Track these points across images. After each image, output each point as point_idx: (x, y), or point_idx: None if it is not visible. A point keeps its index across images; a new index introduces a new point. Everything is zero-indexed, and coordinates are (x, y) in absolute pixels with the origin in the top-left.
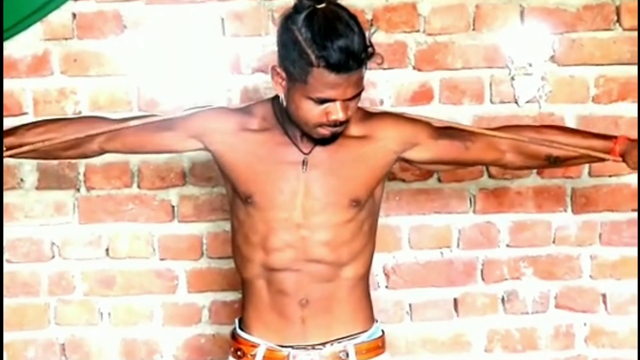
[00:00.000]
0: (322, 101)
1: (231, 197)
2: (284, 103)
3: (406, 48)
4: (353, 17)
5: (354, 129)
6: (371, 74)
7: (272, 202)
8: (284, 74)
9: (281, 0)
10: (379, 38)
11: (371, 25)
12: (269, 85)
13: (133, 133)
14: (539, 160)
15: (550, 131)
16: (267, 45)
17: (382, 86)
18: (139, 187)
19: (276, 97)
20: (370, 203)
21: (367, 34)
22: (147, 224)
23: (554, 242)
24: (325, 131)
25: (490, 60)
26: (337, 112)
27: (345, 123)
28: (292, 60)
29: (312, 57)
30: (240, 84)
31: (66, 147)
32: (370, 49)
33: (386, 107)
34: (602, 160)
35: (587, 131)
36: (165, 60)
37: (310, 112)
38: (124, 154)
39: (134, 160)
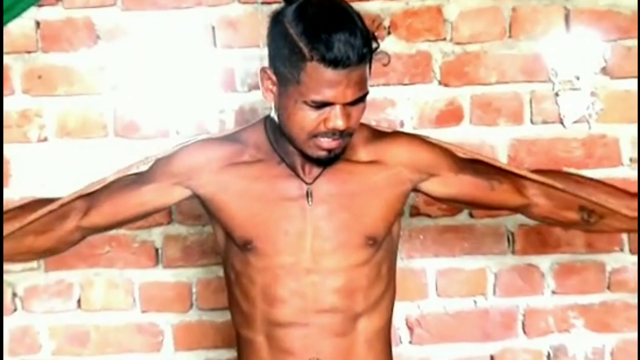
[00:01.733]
0: (318, 105)
1: (224, 244)
2: (275, 115)
3: (430, 60)
4: (352, 8)
5: (363, 153)
6: (389, 91)
7: (276, 247)
8: (274, 77)
9: (281, 5)
10: (397, 48)
11: (388, 33)
12: (268, 104)
13: (109, 199)
14: (571, 212)
15: (593, 183)
16: (266, 57)
17: (402, 105)
18: None
19: (268, 117)
20: (388, 241)
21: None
22: (126, 269)
23: (608, 287)
24: (322, 144)
25: (529, 73)
26: (336, 117)
27: (346, 136)
28: (283, 58)
29: (305, 50)
30: (235, 104)
31: (38, 231)
32: (374, 43)
33: (407, 130)
34: None
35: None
36: (146, 77)
37: (305, 118)
38: (106, 230)
39: None
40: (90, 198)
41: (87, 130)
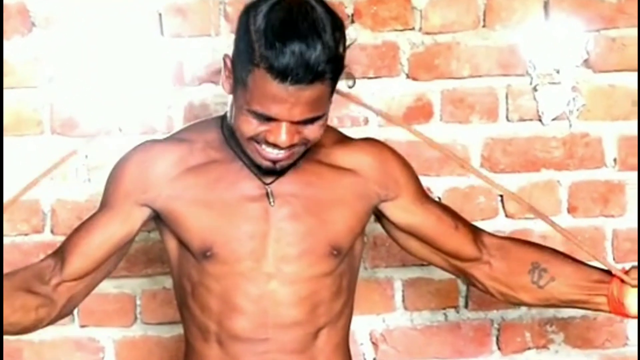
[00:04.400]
0: (262, 117)
1: (177, 254)
2: (228, 107)
3: (398, 51)
4: (330, 17)
5: (330, 156)
6: None
7: (236, 252)
8: (231, 69)
9: None
10: (361, 38)
11: (352, 21)
12: (221, 99)
13: (78, 239)
14: (522, 275)
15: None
16: (218, 48)
17: (366, 100)
18: (52, 232)
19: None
20: (350, 255)
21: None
22: None
23: None
24: (263, 153)
25: (505, 66)
26: (278, 133)
27: (299, 146)
28: (238, 54)
29: (257, 54)
30: (184, 99)
31: (24, 289)
32: (338, 63)
33: (372, 128)
34: (597, 308)
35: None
36: (86, 69)
37: (246, 124)
38: (92, 277)
39: (46, 197)
40: (60, 250)
41: (20, 127)
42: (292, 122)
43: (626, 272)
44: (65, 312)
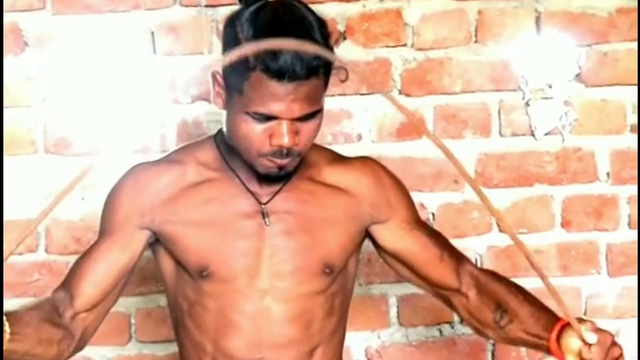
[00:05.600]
0: (262, 118)
1: (173, 274)
2: (224, 123)
3: (390, 67)
4: (313, 15)
5: (325, 175)
6: (345, 101)
7: (232, 270)
8: (222, 82)
9: (227, 8)
10: (354, 54)
11: (344, 38)
12: (214, 117)
13: (84, 269)
14: (489, 312)
15: (526, 292)
16: (211, 66)
17: (359, 116)
18: (46, 251)
19: (219, 131)
20: (343, 275)
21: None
22: None
23: (585, 314)
24: (269, 163)
25: (498, 82)
26: (281, 134)
27: (294, 155)
28: (231, 64)
29: (250, 58)
30: (177, 117)
31: (47, 320)
32: (330, 55)
33: (365, 144)
34: (541, 348)
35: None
36: (79, 88)
37: (251, 133)
38: (104, 304)
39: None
40: (66, 283)
41: (13, 147)
42: (292, 120)
43: (580, 321)
44: (80, 345)
